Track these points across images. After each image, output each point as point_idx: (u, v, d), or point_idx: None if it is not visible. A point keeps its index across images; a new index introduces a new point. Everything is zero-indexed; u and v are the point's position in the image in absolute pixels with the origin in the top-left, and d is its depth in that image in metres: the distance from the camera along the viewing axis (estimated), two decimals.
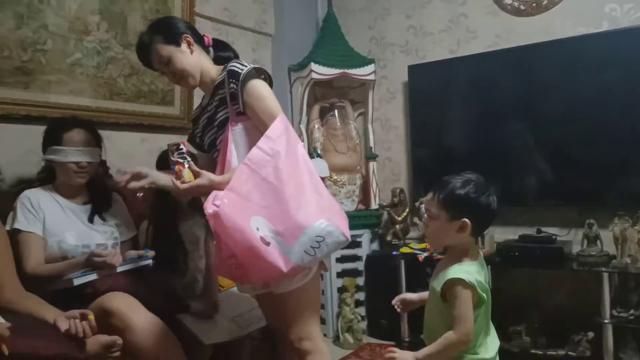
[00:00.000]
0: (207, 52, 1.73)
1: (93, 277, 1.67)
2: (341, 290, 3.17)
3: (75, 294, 1.66)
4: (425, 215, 1.55)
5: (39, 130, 2.07)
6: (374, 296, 3.18)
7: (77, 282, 1.63)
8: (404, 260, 2.95)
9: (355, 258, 3.23)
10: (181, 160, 1.52)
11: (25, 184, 1.97)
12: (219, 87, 1.64)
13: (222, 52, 1.77)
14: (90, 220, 1.95)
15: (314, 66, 3.25)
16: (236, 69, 1.58)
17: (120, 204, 2.11)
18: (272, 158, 1.50)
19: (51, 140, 1.88)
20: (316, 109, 3.40)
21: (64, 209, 1.90)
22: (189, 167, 1.52)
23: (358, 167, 3.44)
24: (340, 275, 3.18)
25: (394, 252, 3.05)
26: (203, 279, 2.09)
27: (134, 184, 1.59)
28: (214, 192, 1.47)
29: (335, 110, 3.43)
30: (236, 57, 1.77)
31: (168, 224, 2.06)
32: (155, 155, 2.60)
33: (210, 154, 1.72)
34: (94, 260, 1.69)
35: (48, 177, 1.95)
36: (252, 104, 1.57)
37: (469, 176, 1.50)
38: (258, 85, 1.59)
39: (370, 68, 3.41)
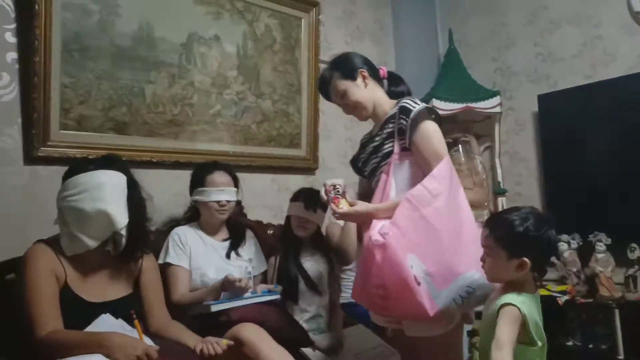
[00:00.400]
0: (382, 85, 1.84)
1: (228, 305, 1.82)
2: (471, 334, 3.01)
3: (211, 321, 1.81)
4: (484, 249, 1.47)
5: (186, 175, 2.35)
6: None
7: (214, 308, 1.80)
8: (542, 303, 2.73)
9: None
10: (338, 195, 1.65)
11: (175, 222, 2.23)
12: (389, 120, 1.73)
13: (395, 86, 1.87)
14: (228, 255, 2.13)
15: (435, 102, 3.24)
16: (409, 106, 1.66)
17: (254, 240, 2.28)
18: (434, 198, 1.52)
19: (196, 182, 2.12)
20: None
21: (206, 244, 2.11)
22: (345, 199, 1.63)
23: (485, 203, 3.30)
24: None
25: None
26: (327, 314, 2.14)
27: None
28: (379, 222, 1.54)
29: (459, 145, 3.36)
30: (409, 92, 1.87)
31: (294, 260, 2.17)
32: (284, 194, 2.78)
33: (367, 180, 1.82)
34: (229, 283, 1.87)
35: (193, 216, 2.19)
36: (418, 142, 1.62)
37: (527, 210, 1.43)
38: (428, 125, 1.65)
39: (495, 100, 3.31)
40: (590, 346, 2.59)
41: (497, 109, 3.30)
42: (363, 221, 1.60)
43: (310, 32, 2.93)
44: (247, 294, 1.93)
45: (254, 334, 1.76)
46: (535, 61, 3.34)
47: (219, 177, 2.11)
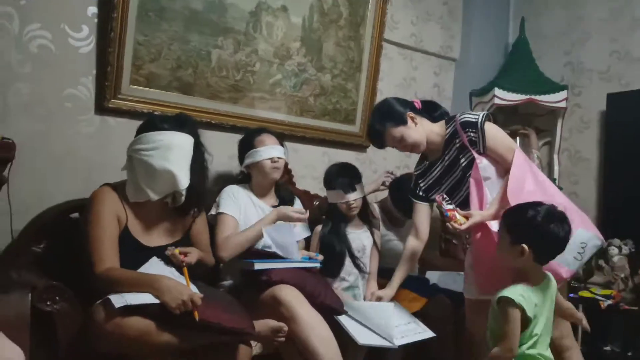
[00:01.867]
0: (423, 115, 2.03)
1: (271, 265, 1.91)
2: None
3: (254, 278, 1.90)
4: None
5: None
6: None
7: (257, 266, 1.88)
8: (582, 304, 2.67)
9: None
10: (451, 208, 1.84)
11: (227, 183, 2.32)
12: (452, 138, 1.94)
13: (434, 111, 2.08)
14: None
15: (497, 91, 3.17)
16: (470, 119, 1.91)
17: (300, 207, 2.34)
18: (524, 184, 1.79)
19: (247, 147, 2.21)
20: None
21: (256, 206, 2.20)
22: (457, 212, 1.83)
23: None
24: None
25: (570, 295, 2.78)
26: (364, 286, 2.20)
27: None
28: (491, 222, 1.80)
29: (517, 138, 3.28)
30: (446, 112, 2.11)
31: (340, 236, 2.22)
32: None
33: (428, 205, 2.08)
34: (284, 214, 2.06)
35: (244, 179, 2.28)
36: (491, 144, 1.89)
37: (545, 205, 1.52)
38: (492, 127, 1.91)
39: (562, 95, 3.20)
40: (630, 354, 2.53)
41: (562, 104, 3.20)
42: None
43: (377, 10, 2.91)
44: (290, 259, 2.00)
45: (292, 296, 1.84)
46: (610, 59, 3.19)
47: (267, 138, 2.21)
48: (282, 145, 2.25)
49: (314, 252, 2.13)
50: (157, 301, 1.50)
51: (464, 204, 1.90)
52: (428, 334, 2.02)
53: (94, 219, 1.68)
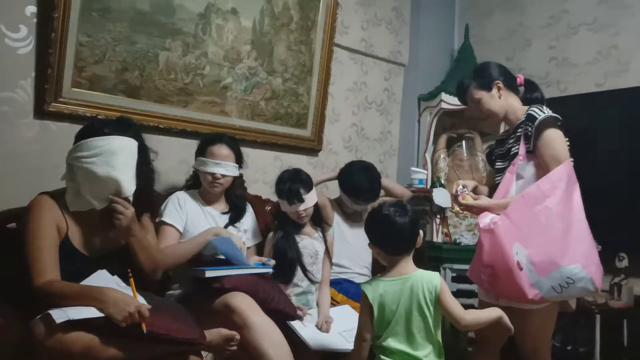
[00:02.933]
0: (517, 93, 2.01)
1: (222, 272, 1.88)
2: None
3: (205, 286, 1.87)
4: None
5: (191, 144, 2.38)
6: None
7: (208, 274, 1.85)
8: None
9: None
10: (465, 192, 1.91)
11: (175, 189, 2.28)
12: (520, 125, 1.91)
13: (530, 93, 2.05)
14: (225, 226, 2.17)
15: (444, 96, 3.26)
16: (535, 114, 1.86)
17: (251, 213, 2.33)
18: (545, 198, 1.73)
19: (199, 151, 2.16)
20: (443, 138, 3.39)
21: (205, 213, 2.16)
22: (470, 195, 1.90)
23: None
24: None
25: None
26: (317, 291, 2.20)
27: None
28: (490, 214, 1.80)
29: (463, 141, 3.39)
30: (542, 98, 2.06)
31: (291, 242, 2.20)
32: None
33: (494, 171, 2.06)
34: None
35: (194, 184, 2.24)
36: (541, 147, 1.82)
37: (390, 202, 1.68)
38: (551, 132, 1.83)
39: None
40: (569, 348, 2.66)
41: None
42: (481, 212, 1.86)
43: (328, 14, 2.93)
44: (241, 265, 1.98)
45: (244, 303, 1.82)
46: (549, 65, 3.34)
47: (220, 149, 2.13)
48: (237, 160, 2.18)
49: (265, 258, 2.12)
50: (101, 315, 1.44)
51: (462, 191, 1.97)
52: None
53: (32, 229, 1.60)
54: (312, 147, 3.02)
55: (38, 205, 1.65)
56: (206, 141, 2.18)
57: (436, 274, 1.62)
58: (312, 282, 2.19)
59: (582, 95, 3.08)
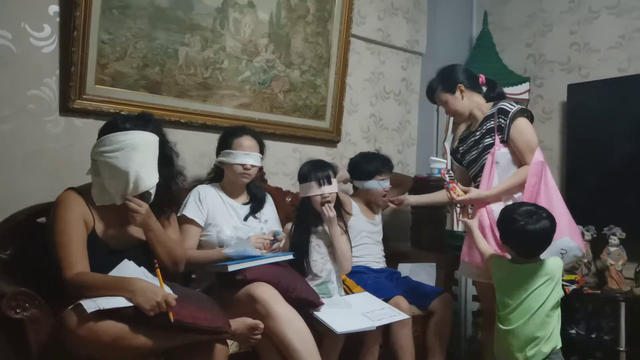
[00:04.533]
0: (480, 91, 2.23)
1: (245, 265, 1.91)
2: (476, 314, 3.07)
3: (228, 279, 1.90)
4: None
5: (212, 137, 2.42)
6: None
7: (231, 268, 1.88)
8: None
9: None
10: (453, 180, 2.11)
11: (198, 182, 2.31)
12: (487, 119, 2.14)
13: (492, 91, 2.26)
14: (246, 218, 2.21)
15: None
16: (507, 107, 2.09)
17: (271, 204, 2.35)
18: (535, 189, 2.00)
19: (224, 144, 2.19)
20: (462, 127, 3.34)
21: (226, 205, 2.19)
22: (459, 186, 2.08)
23: None
24: (475, 298, 3.09)
25: None
26: (337, 280, 2.22)
27: (400, 207, 2.56)
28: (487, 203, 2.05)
29: None
30: (502, 93, 2.27)
31: (309, 227, 2.22)
32: None
33: (465, 168, 2.27)
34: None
35: (216, 177, 2.27)
36: (514, 136, 2.06)
37: (527, 205, 1.88)
38: (522, 123, 2.07)
39: (524, 87, 3.29)
40: (593, 336, 2.63)
41: (525, 96, 3.29)
42: (473, 202, 2.12)
43: (344, 5, 2.93)
44: (263, 253, 2.01)
45: (267, 293, 1.85)
46: (570, 50, 3.29)
47: (246, 141, 2.17)
48: (260, 150, 2.22)
49: (270, 235, 2.13)
50: (130, 304, 1.48)
51: (474, 180, 2.19)
52: (403, 316, 2.08)
53: (61, 224, 1.65)
54: (330, 139, 3.03)
55: (65, 201, 1.70)
56: (230, 134, 2.21)
57: None
58: (331, 266, 2.21)
59: (605, 81, 3.02)
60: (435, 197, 2.50)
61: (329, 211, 2.14)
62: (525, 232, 1.77)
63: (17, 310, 1.48)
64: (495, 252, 1.96)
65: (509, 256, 1.91)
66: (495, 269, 1.91)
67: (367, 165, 2.62)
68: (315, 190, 2.17)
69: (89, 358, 1.52)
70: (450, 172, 2.16)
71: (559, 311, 1.85)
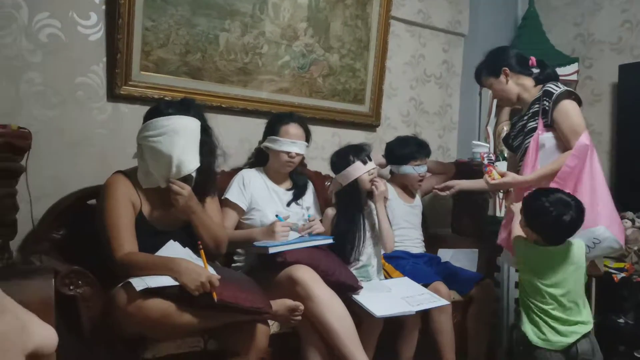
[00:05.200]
0: (529, 74, 2.13)
1: (285, 247, 1.93)
2: (518, 301, 3.01)
3: (269, 261, 1.93)
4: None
5: (252, 122, 2.45)
6: None
7: (272, 250, 1.91)
8: (596, 278, 2.68)
9: None
10: (491, 163, 2.05)
11: (238, 167, 2.34)
12: (535, 102, 2.06)
13: (542, 72, 2.15)
14: (288, 204, 2.23)
15: None
16: (551, 89, 2.00)
17: (312, 190, 2.37)
18: (574, 173, 1.89)
19: (271, 131, 2.21)
20: (506, 111, 3.26)
21: (269, 190, 2.22)
22: (496, 169, 2.01)
23: None
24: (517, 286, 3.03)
25: None
26: (378, 263, 2.22)
27: (447, 192, 2.43)
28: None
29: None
30: (555, 74, 2.16)
31: (352, 212, 2.21)
32: None
33: (514, 154, 2.19)
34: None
35: (258, 161, 2.29)
36: (559, 120, 1.96)
37: (558, 192, 1.77)
38: (567, 105, 1.96)
39: (573, 67, 3.16)
40: (620, 321, 2.54)
41: (574, 77, 3.16)
42: (509, 187, 2.08)
43: None
44: (304, 237, 2.03)
45: (307, 276, 1.87)
46: (621, 29, 3.14)
47: (293, 129, 2.18)
48: (307, 138, 2.23)
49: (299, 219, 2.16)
50: (176, 283, 1.53)
51: (489, 162, 2.10)
52: (442, 302, 2.06)
53: (110, 206, 1.71)
54: (370, 123, 3.01)
55: (114, 183, 1.75)
56: (278, 120, 2.22)
57: None
58: (373, 249, 2.21)
59: None
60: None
61: (380, 185, 2.16)
62: (556, 221, 1.71)
63: (71, 288, 1.56)
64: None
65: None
66: (521, 251, 1.85)
67: (402, 149, 2.60)
68: (362, 169, 2.17)
69: (137, 334, 1.58)
70: (490, 155, 2.11)
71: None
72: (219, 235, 1.88)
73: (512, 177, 1.98)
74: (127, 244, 1.66)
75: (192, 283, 1.53)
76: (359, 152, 2.18)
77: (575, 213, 1.71)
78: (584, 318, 1.77)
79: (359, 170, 2.17)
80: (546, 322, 1.77)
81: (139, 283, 1.50)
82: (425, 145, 2.64)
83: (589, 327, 1.77)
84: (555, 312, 1.75)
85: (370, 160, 2.20)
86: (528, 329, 1.80)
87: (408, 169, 2.57)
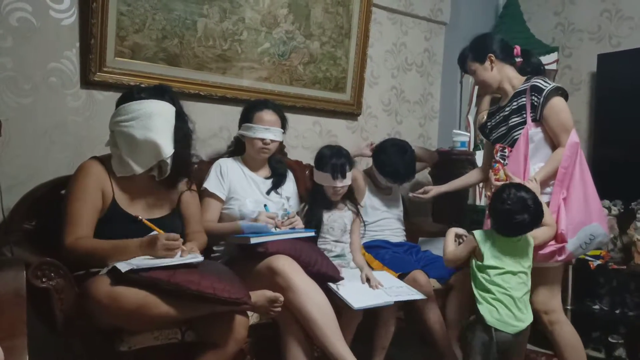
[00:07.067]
0: (513, 63, 2.13)
1: (266, 238, 1.91)
2: None
3: (250, 251, 1.91)
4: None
5: (231, 110, 2.40)
6: None
7: (253, 240, 1.89)
8: (572, 266, 2.72)
9: None
10: (502, 161, 2.05)
11: (218, 155, 2.31)
12: (519, 95, 2.04)
13: (527, 63, 2.16)
14: (268, 192, 2.21)
15: None
16: (541, 85, 1.98)
17: (292, 180, 2.34)
18: (568, 172, 1.92)
19: (245, 118, 2.18)
20: (487, 99, 3.25)
21: (247, 178, 2.19)
22: (504, 169, 2.01)
23: None
24: None
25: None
26: (350, 254, 2.25)
27: (423, 197, 2.45)
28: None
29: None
30: (539, 63, 2.19)
31: (320, 212, 2.23)
32: (325, 137, 2.81)
33: (491, 143, 2.20)
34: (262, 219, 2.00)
35: (236, 150, 2.26)
36: (549, 116, 1.96)
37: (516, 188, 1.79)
38: (557, 102, 1.97)
39: (552, 57, 3.17)
40: (617, 312, 2.59)
41: (553, 66, 3.18)
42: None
43: None
44: (285, 230, 2.02)
45: (287, 266, 1.86)
46: (601, 18, 3.16)
47: (267, 115, 2.15)
48: (282, 125, 2.20)
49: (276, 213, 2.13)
50: (165, 264, 1.53)
51: (501, 158, 2.10)
52: (419, 295, 2.08)
53: (73, 191, 1.67)
54: (351, 111, 2.99)
55: (84, 170, 1.72)
56: (252, 107, 2.19)
57: None
58: (343, 243, 2.24)
59: (637, 50, 2.90)
60: (465, 181, 2.44)
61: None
62: (507, 216, 1.75)
63: (43, 280, 1.51)
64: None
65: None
66: (482, 238, 1.86)
67: (392, 172, 2.51)
68: (330, 182, 2.17)
69: (112, 326, 1.55)
70: (505, 151, 2.06)
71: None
72: (202, 243, 1.92)
73: (519, 180, 1.94)
74: (80, 230, 1.63)
75: (158, 252, 1.55)
76: (336, 165, 2.15)
77: (530, 217, 1.74)
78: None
79: (326, 180, 2.18)
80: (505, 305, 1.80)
81: (124, 266, 1.48)
82: (412, 171, 2.56)
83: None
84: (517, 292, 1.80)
85: (343, 177, 2.17)
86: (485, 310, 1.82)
87: (388, 184, 2.56)
